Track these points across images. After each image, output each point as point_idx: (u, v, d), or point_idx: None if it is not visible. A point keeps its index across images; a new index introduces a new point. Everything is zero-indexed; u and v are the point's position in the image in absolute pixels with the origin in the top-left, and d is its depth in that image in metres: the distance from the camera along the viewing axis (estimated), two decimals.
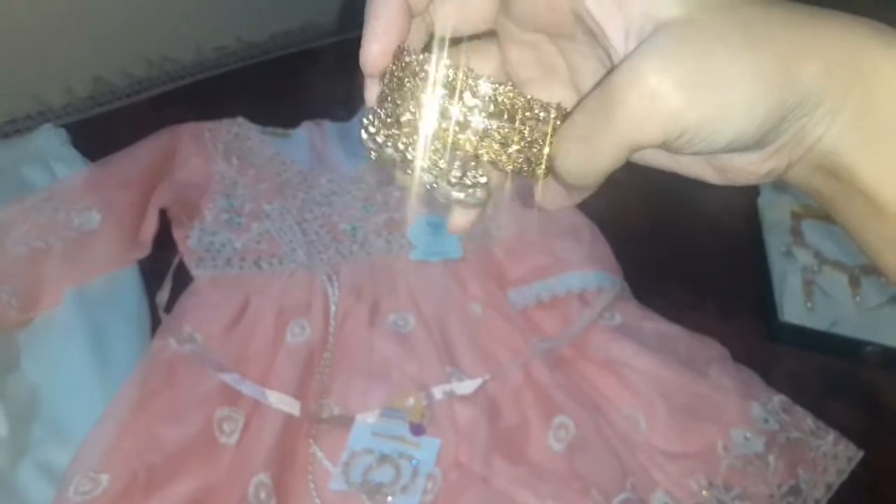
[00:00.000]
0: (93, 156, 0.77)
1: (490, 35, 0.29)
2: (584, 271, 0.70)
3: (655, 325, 0.70)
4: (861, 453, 0.63)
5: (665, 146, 0.23)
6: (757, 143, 0.24)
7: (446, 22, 0.27)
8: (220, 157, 0.79)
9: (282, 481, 0.55)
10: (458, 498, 0.56)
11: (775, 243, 0.81)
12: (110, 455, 0.53)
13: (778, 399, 0.65)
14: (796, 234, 0.81)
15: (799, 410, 0.65)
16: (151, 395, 0.58)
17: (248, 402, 0.60)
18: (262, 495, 0.53)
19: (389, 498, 0.56)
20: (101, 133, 0.84)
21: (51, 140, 0.78)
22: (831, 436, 0.64)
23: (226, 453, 0.57)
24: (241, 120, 0.84)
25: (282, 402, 0.59)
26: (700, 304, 0.75)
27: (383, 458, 0.58)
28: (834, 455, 0.63)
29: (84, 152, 0.78)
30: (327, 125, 0.87)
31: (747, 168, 0.26)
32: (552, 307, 0.70)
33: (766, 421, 0.63)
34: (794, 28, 0.23)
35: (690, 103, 0.22)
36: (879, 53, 0.23)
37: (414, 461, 0.58)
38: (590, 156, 0.23)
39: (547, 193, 0.27)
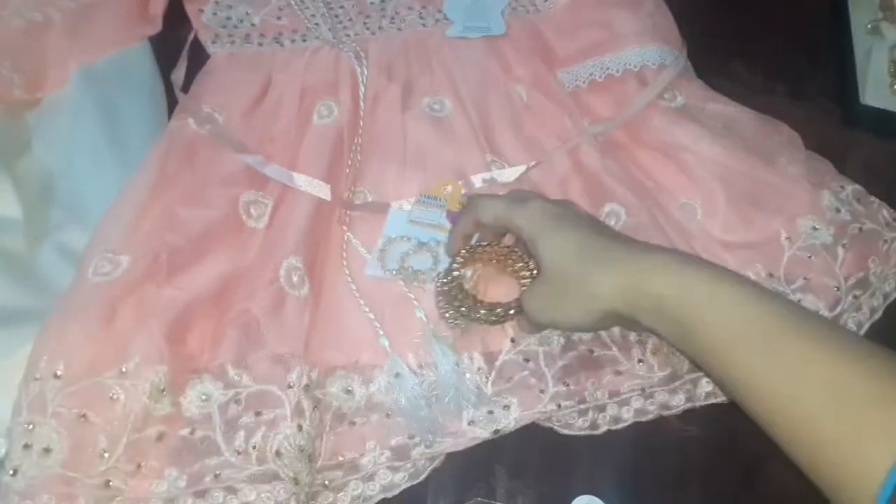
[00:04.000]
0: None
1: None
2: (644, 46, 0.62)
3: (721, 107, 0.62)
4: None
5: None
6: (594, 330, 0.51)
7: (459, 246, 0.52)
8: None
9: (315, 267, 0.52)
10: None
11: (861, 18, 0.71)
12: (130, 236, 0.49)
13: (852, 188, 0.59)
14: (887, 7, 0.71)
15: (874, 201, 0.59)
16: (171, 177, 0.54)
17: (277, 187, 0.56)
18: (294, 279, 0.50)
19: (427, 284, 0.53)
20: None
21: None
22: None
23: (255, 237, 0.53)
24: None
25: (310, 185, 0.55)
26: (770, 86, 0.68)
27: (420, 246, 0.55)
28: None
29: None
30: None
31: None
32: (606, 88, 0.63)
33: (838, 210, 0.57)
34: (606, 272, 0.43)
35: (547, 320, 0.48)
36: (661, 279, 0.41)
37: None
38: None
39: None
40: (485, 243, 0.52)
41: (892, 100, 0.66)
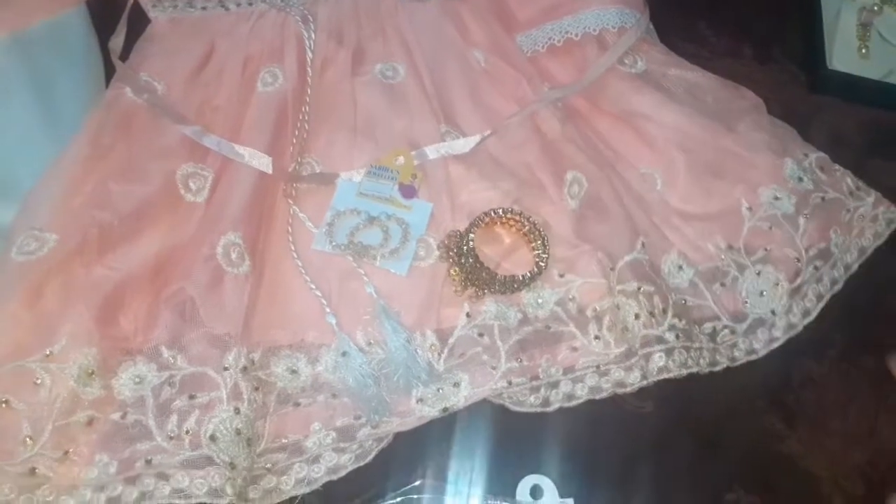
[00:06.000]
0: None
1: None
2: (604, 8, 0.59)
3: (683, 72, 0.60)
4: None
5: None
6: None
7: None
8: None
9: (258, 242, 0.50)
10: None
11: None
12: (58, 213, 0.47)
13: (816, 156, 0.58)
14: None
15: (838, 169, 0.58)
16: (106, 150, 0.52)
17: (218, 158, 0.53)
18: (233, 256, 0.48)
19: (377, 261, 0.51)
20: None
21: None
22: (872, 197, 0.57)
23: (194, 211, 0.51)
24: None
25: (252, 157, 0.52)
26: (736, 50, 0.66)
27: (371, 220, 0.53)
28: (873, 217, 0.56)
29: None
30: None
31: None
32: (565, 53, 0.61)
33: (801, 179, 0.56)
34: None
35: None
36: None
37: (404, 224, 0.53)
38: None
39: None
40: (508, 211, 0.52)
41: (860, 64, 0.64)
